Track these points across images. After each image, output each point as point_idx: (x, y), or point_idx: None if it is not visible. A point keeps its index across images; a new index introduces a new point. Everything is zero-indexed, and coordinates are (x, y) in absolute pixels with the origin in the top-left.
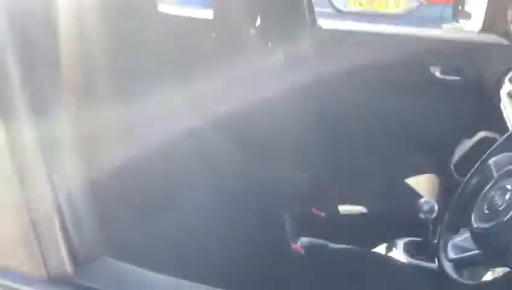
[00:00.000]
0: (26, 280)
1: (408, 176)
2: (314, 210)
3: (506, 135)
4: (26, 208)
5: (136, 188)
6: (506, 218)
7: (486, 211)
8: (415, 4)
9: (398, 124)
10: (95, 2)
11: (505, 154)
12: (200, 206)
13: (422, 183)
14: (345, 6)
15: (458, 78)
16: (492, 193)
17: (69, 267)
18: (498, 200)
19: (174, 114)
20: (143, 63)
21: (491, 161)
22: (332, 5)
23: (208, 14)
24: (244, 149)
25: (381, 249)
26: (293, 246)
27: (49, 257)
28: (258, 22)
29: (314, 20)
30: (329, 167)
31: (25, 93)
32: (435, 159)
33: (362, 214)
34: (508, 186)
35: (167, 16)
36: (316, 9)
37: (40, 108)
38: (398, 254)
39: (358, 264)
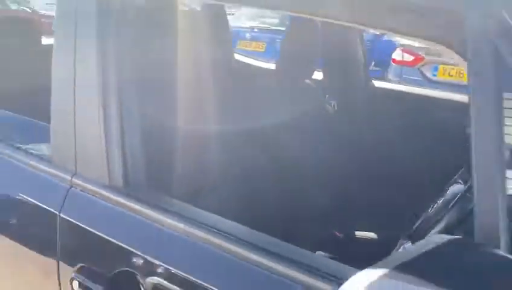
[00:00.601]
0: (96, 184)
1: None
2: (335, 232)
3: (461, 170)
4: (105, 142)
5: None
6: (423, 218)
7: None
8: None
9: (425, 170)
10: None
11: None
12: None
13: None
14: (434, 75)
15: None
16: (431, 205)
17: (121, 181)
18: (430, 209)
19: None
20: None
21: (449, 189)
22: (422, 74)
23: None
24: (288, 176)
25: None
26: None
27: (112, 174)
28: (315, 74)
29: (368, 79)
30: (356, 198)
31: None
32: None
33: (372, 239)
34: (439, 202)
35: (243, 64)
36: (409, 77)
37: None
38: None
39: None
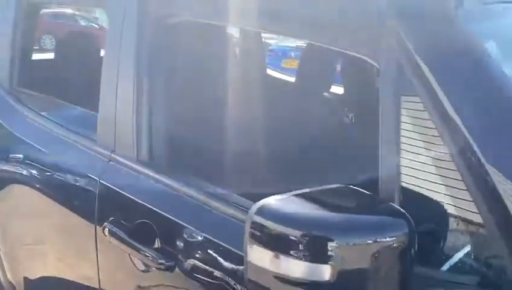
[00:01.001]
0: (128, 159)
1: None
2: None
3: None
4: (136, 129)
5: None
6: None
7: None
8: None
9: None
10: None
11: None
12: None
13: None
14: None
15: None
16: None
17: (147, 157)
18: None
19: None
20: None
21: None
22: None
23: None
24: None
25: None
26: None
27: (140, 152)
28: (331, 88)
29: None
30: None
31: None
32: None
33: None
34: None
35: (273, 78)
36: None
37: None
38: None
39: None
